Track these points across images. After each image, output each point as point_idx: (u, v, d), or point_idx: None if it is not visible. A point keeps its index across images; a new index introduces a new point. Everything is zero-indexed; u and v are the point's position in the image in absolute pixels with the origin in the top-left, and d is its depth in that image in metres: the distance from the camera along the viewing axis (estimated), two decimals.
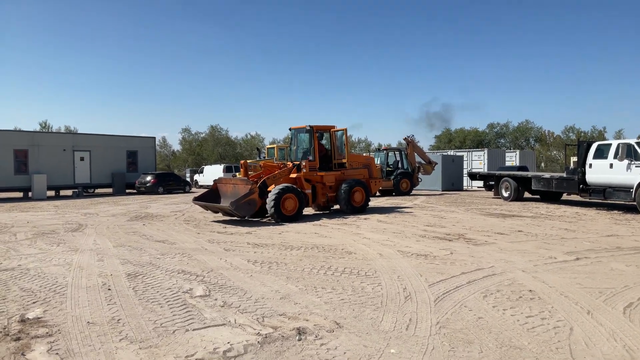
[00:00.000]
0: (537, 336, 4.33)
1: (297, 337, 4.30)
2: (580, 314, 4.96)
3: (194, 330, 4.53)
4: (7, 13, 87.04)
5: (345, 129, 15.53)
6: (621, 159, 14.51)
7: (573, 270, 6.94)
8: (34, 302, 5.55)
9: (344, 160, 15.64)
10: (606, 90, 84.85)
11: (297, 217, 13.55)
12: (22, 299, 5.72)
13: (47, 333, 4.50)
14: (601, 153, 15.55)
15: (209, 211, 14.59)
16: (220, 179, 15.04)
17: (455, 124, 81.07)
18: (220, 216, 14.72)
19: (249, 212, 13.10)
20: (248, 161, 16.11)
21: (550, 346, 4.09)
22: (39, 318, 4.96)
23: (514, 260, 7.61)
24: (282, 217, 13.18)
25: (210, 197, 14.41)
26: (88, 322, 4.81)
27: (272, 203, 13.04)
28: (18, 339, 4.36)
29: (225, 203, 13.44)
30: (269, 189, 13.73)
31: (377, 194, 23.52)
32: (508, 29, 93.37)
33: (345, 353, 3.95)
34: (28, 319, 4.94)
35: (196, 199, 14.71)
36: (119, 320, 4.85)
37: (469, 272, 6.79)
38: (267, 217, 13.66)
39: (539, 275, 6.60)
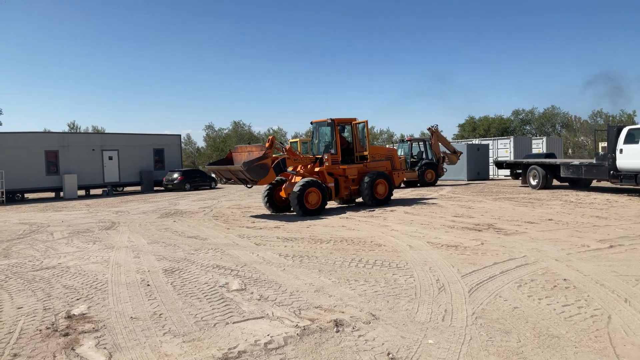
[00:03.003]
0: (575, 325, 4.32)
1: (334, 329, 4.38)
2: (618, 302, 4.92)
3: (234, 323, 4.66)
4: (30, 16, 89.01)
5: (366, 121, 15.49)
6: None
7: (607, 258, 6.86)
8: (77, 299, 5.76)
9: (366, 153, 15.64)
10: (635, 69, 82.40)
11: (321, 211, 13.59)
12: (66, 295, 5.94)
13: (93, 328, 4.68)
14: (632, 138, 15.19)
15: (222, 178, 14.33)
16: (235, 147, 14.84)
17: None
18: (249, 211, 14.89)
19: (260, 176, 12.88)
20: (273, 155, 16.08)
21: (589, 335, 4.08)
22: (84, 314, 5.15)
23: (546, 250, 7.56)
24: (305, 211, 13.22)
25: (224, 164, 14.21)
26: (131, 317, 4.98)
27: (296, 198, 13.11)
28: (67, 334, 4.55)
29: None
30: (288, 169, 13.83)
31: (402, 185, 23.45)
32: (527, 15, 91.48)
33: (383, 344, 4.02)
34: (74, 315, 5.13)
35: (210, 164, 14.73)
36: (160, 314, 5.02)
37: (501, 262, 6.78)
38: (293, 211, 13.77)
39: (573, 264, 6.55)
